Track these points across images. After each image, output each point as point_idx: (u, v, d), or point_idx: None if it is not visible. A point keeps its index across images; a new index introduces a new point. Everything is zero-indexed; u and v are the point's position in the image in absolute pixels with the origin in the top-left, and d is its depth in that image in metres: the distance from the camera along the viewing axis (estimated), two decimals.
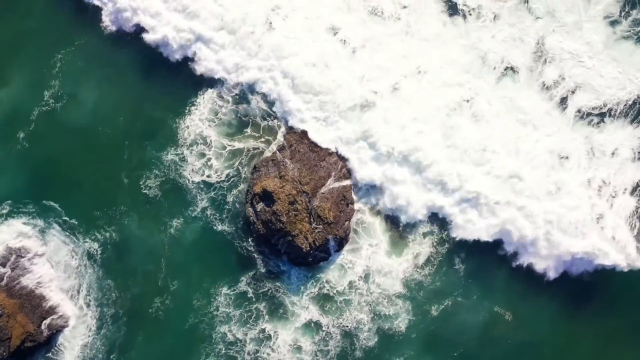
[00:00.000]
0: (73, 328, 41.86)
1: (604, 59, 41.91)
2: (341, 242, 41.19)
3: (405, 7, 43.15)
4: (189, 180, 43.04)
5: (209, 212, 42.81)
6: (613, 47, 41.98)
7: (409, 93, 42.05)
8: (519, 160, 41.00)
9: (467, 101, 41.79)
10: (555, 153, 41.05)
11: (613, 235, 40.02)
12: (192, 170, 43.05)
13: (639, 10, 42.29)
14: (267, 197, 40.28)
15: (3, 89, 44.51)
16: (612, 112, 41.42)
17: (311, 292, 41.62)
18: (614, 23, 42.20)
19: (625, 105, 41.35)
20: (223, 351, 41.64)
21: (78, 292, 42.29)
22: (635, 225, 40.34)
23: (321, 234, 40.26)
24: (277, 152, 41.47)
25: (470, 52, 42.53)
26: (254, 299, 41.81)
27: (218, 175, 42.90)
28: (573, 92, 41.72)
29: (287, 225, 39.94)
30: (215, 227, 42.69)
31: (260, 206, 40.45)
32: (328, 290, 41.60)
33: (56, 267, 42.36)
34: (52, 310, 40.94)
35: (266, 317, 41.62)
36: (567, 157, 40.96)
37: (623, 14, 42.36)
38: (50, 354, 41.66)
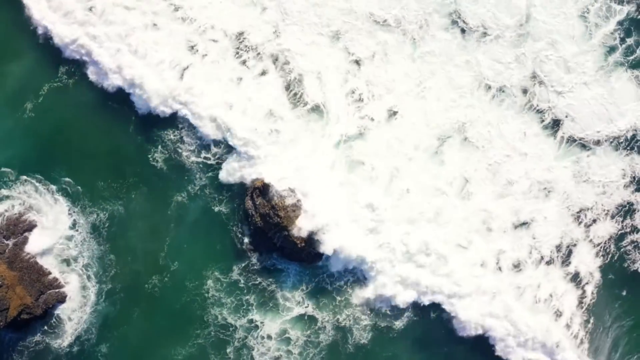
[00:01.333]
0: (70, 301, 42.71)
1: (597, 87, 43.31)
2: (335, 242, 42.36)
3: (412, 22, 43.92)
4: (188, 160, 43.94)
5: (207, 190, 43.85)
6: (607, 75, 43.50)
7: (404, 121, 43.10)
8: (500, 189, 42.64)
9: (463, 124, 43.01)
10: (541, 180, 42.68)
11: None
12: (191, 150, 43.92)
13: (635, 37, 43.72)
14: (267, 191, 41.63)
15: (16, 62, 44.81)
16: (602, 140, 43.05)
17: (306, 288, 43.03)
18: (611, 51, 43.69)
19: (615, 135, 43.01)
20: (213, 333, 43.03)
21: (78, 265, 43.14)
22: (610, 249, 42.73)
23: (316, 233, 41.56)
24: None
25: (469, 71, 43.64)
26: (245, 290, 43.13)
27: (218, 159, 43.81)
28: (566, 117, 43.11)
29: (284, 220, 41.23)
30: (213, 208, 43.78)
31: (259, 200, 41.85)
32: (326, 284, 43.07)
33: (58, 240, 43.06)
34: (50, 285, 41.79)
35: (255, 309, 42.98)
36: (551, 188, 42.63)
37: (619, 40, 43.75)
38: (46, 327, 42.60)
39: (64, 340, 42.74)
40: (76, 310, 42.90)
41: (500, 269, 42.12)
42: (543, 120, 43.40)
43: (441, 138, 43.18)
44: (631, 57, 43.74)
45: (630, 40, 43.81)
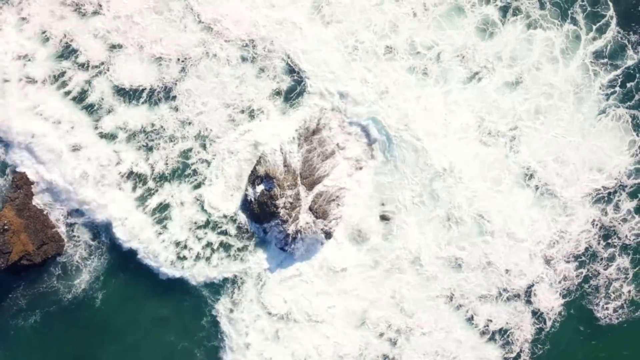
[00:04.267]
0: (71, 249, 44.42)
1: (578, 138, 44.81)
2: (326, 238, 44.94)
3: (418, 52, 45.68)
4: None
5: None
6: (589, 129, 44.86)
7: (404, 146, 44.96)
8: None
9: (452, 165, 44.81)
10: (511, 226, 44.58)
11: None
12: None
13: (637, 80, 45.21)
14: (268, 181, 43.63)
15: None
16: (579, 194, 44.75)
17: (288, 276, 45.11)
18: (607, 97, 45.12)
19: (594, 188, 44.80)
20: (193, 302, 45.13)
21: (80, 216, 44.68)
22: (573, 289, 45.08)
23: (309, 227, 44.04)
24: (286, 144, 44.67)
25: (463, 111, 45.25)
26: (226, 267, 45.17)
27: None
28: (544, 167, 44.68)
29: (280, 211, 43.44)
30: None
31: (259, 188, 43.98)
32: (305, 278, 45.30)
33: (69, 188, 44.23)
34: (52, 237, 43.74)
35: (235, 291, 45.11)
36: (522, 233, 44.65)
37: (619, 84, 45.10)
38: (60, 272, 44.59)
39: (75, 286, 44.58)
40: (78, 255, 44.56)
41: (460, 305, 44.64)
42: (523, 168, 45.01)
43: (436, 174, 45.10)
44: (628, 103, 45.28)
45: (630, 85, 45.30)
